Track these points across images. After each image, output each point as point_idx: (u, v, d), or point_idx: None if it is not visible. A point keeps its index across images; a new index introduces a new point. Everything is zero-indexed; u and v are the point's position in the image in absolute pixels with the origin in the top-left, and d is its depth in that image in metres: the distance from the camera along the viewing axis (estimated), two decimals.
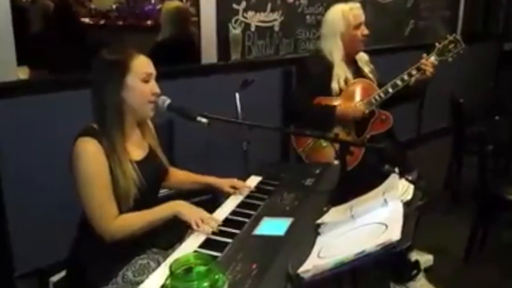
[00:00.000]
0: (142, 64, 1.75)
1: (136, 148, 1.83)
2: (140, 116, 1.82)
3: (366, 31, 2.80)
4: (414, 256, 2.82)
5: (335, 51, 2.78)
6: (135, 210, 1.74)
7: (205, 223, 1.67)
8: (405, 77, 2.72)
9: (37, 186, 2.60)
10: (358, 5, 2.85)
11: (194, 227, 1.66)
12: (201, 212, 1.72)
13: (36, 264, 2.59)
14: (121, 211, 1.72)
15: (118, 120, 1.73)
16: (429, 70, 2.69)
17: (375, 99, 2.75)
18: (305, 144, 2.81)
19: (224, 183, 2.04)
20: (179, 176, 2.13)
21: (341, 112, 2.71)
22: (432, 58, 2.73)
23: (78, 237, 1.83)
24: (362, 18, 2.81)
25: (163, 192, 2.22)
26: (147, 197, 1.80)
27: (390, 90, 2.74)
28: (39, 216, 2.62)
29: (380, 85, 2.81)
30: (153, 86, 1.77)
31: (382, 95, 2.75)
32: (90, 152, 1.67)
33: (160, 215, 1.74)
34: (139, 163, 1.78)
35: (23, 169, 2.55)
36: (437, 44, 2.79)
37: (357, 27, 2.77)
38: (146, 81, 1.75)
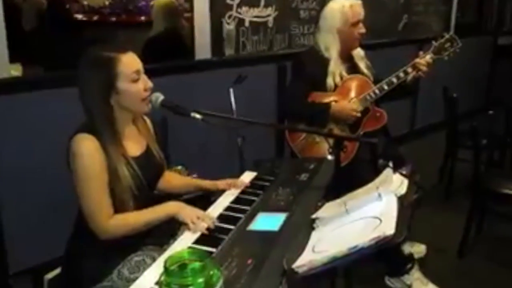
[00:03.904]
0: (128, 65, 1.69)
1: (133, 144, 1.82)
2: (135, 113, 1.82)
3: (363, 30, 2.78)
4: (407, 248, 2.84)
5: (331, 46, 2.77)
6: (132, 206, 1.74)
7: (201, 220, 1.67)
8: (401, 74, 2.72)
9: (31, 183, 2.59)
10: (359, 2, 2.81)
11: (191, 226, 1.66)
12: (197, 211, 1.73)
13: (30, 262, 2.58)
14: (119, 207, 1.72)
15: (107, 123, 1.70)
16: (424, 69, 2.69)
17: (370, 96, 2.75)
18: (298, 139, 2.82)
19: (218, 183, 2.05)
20: (173, 180, 2.13)
21: (336, 111, 2.71)
22: (428, 57, 2.73)
23: (74, 233, 1.83)
24: (361, 16, 2.78)
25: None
26: (145, 193, 1.80)
27: (386, 87, 2.74)
28: (33, 214, 2.61)
29: (376, 81, 2.81)
30: (145, 82, 1.74)
31: (377, 92, 2.74)
32: (87, 149, 1.66)
33: (156, 216, 1.75)
34: (136, 159, 1.78)
35: (17, 167, 2.54)
36: (433, 42, 2.79)
37: (355, 24, 2.75)
38: (136, 80, 1.71)
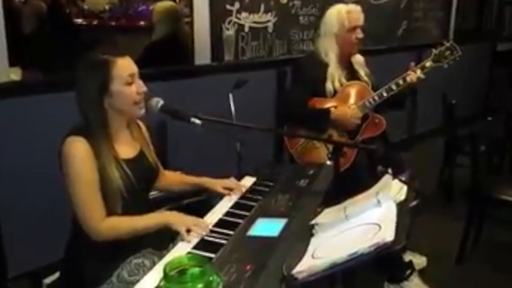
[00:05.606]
0: (123, 68, 1.71)
1: (126, 147, 1.82)
2: (128, 116, 1.82)
3: (360, 35, 2.78)
4: (408, 257, 2.83)
5: (329, 51, 2.79)
6: (124, 209, 1.74)
7: (196, 227, 1.66)
8: (400, 81, 2.73)
9: (30, 187, 2.58)
10: (358, 8, 2.82)
11: (184, 235, 1.63)
12: (193, 219, 1.71)
13: (29, 265, 2.57)
14: (110, 210, 1.72)
15: (101, 125, 1.72)
16: (414, 81, 2.70)
17: (369, 103, 2.76)
18: (297, 144, 2.82)
19: (217, 183, 2.04)
20: (170, 177, 2.13)
21: (336, 116, 2.71)
22: (418, 71, 2.73)
23: (72, 236, 1.83)
24: (359, 22, 2.79)
25: (154, 194, 2.21)
26: (136, 197, 1.79)
27: (385, 94, 2.74)
28: (32, 218, 2.60)
29: (375, 89, 2.81)
30: (138, 86, 1.75)
31: (376, 98, 2.75)
32: (78, 152, 1.67)
33: (149, 224, 1.74)
34: (128, 161, 1.78)
35: (15, 170, 2.54)
36: (433, 50, 2.80)
37: (352, 30, 2.76)
38: (130, 83, 1.73)
